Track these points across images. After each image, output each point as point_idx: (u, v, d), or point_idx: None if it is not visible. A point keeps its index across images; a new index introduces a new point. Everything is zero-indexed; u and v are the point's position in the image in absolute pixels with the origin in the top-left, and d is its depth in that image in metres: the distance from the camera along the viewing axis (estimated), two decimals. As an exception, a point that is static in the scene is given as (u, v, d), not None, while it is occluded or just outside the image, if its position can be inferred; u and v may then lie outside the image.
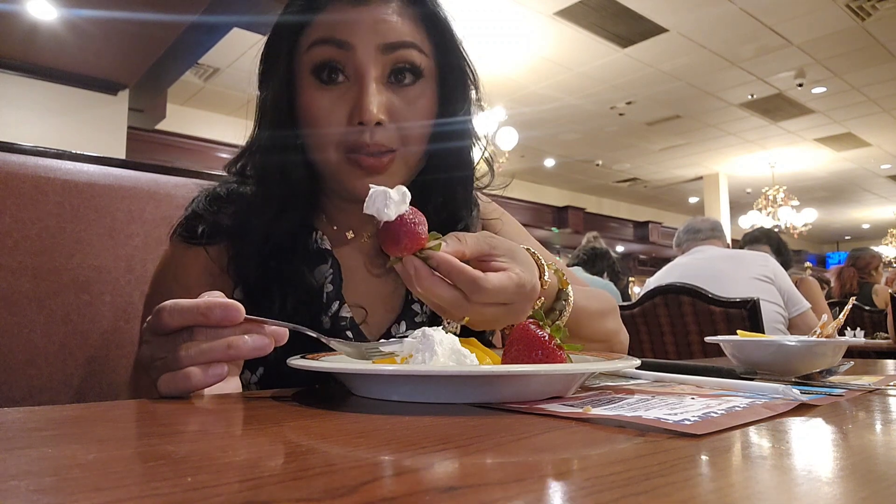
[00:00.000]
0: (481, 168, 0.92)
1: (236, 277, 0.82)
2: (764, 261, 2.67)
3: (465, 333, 0.71)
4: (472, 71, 0.87)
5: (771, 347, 0.84)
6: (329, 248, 0.86)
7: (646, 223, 13.07)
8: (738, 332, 0.93)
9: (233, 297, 0.64)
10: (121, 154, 5.82)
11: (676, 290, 2.45)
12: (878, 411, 0.55)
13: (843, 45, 6.42)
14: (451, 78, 0.84)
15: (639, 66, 6.91)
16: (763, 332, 2.06)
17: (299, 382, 0.66)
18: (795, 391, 0.55)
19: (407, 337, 0.57)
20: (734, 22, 5.95)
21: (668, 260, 3.17)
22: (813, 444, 0.42)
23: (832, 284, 5.10)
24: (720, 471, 0.34)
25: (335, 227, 0.89)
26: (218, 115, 8.18)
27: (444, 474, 0.32)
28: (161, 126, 7.31)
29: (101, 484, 0.27)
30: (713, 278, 2.51)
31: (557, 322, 0.64)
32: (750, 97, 7.85)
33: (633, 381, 0.69)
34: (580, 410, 0.47)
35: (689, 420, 0.43)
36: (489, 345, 0.92)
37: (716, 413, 0.46)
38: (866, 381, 0.73)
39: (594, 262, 3.94)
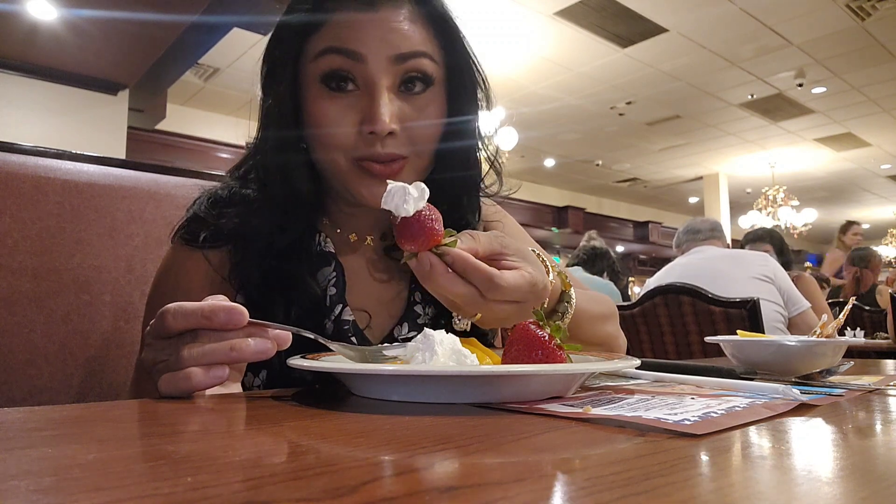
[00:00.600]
0: (490, 176, 0.92)
1: (238, 283, 0.81)
2: (763, 260, 2.67)
3: (466, 333, 0.71)
4: (479, 71, 0.87)
5: (771, 347, 0.84)
6: (332, 251, 0.85)
7: (646, 223, 13.06)
8: (738, 332, 0.93)
9: (235, 302, 0.64)
10: (121, 154, 5.82)
11: (676, 290, 2.45)
12: (878, 411, 0.55)
13: (843, 45, 6.42)
14: (460, 80, 0.84)
15: (639, 66, 6.91)
16: (763, 332, 2.06)
17: (302, 386, 0.66)
18: (795, 391, 0.55)
19: (409, 340, 0.57)
20: (734, 22, 5.94)
21: (668, 260, 3.17)
22: (813, 444, 0.42)
23: (845, 280, 5.09)
24: (720, 471, 0.34)
25: (338, 230, 0.89)
26: (218, 115, 8.18)
27: (444, 474, 0.32)
28: (161, 126, 7.31)
29: (101, 484, 0.27)
30: (713, 278, 2.51)
31: (558, 323, 0.64)
32: (750, 97, 7.85)
33: (633, 381, 0.69)
34: (580, 410, 0.47)
35: (688, 420, 0.43)
36: (489, 345, 0.92)
37: (716, 413, 0.46)
38: (866, 381, 0.73)
39: (594, 261, 3.94)
